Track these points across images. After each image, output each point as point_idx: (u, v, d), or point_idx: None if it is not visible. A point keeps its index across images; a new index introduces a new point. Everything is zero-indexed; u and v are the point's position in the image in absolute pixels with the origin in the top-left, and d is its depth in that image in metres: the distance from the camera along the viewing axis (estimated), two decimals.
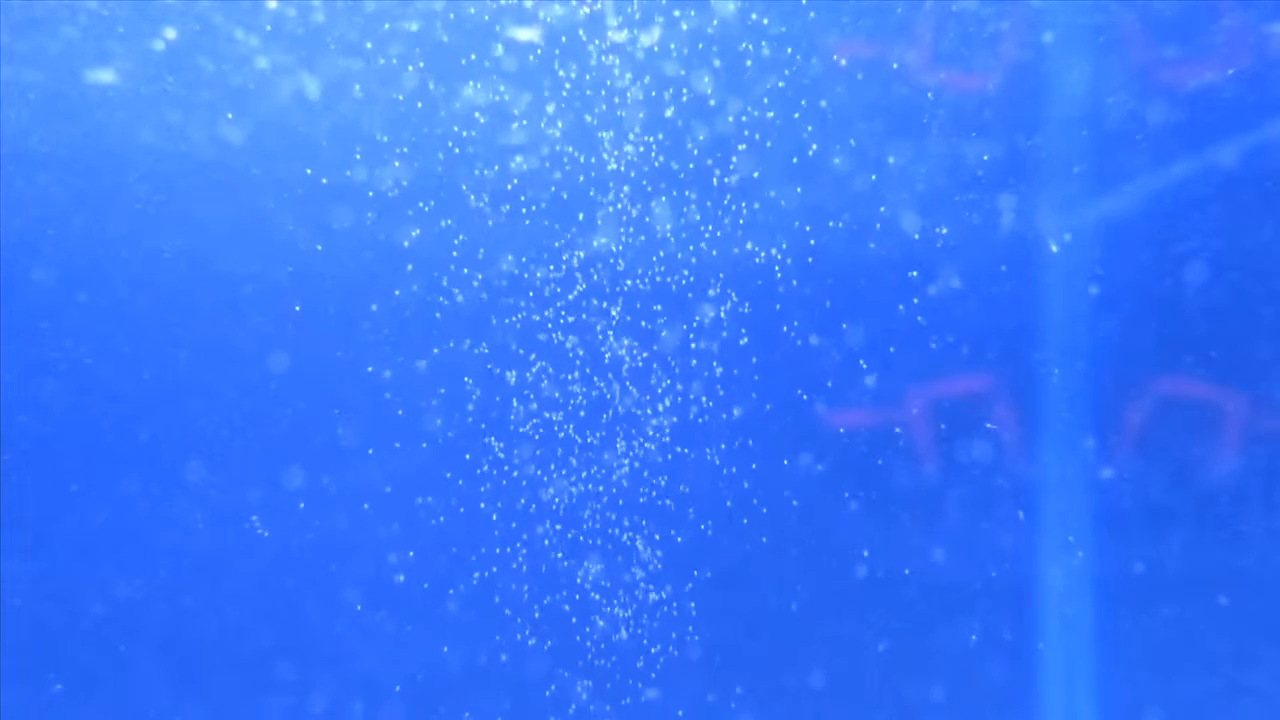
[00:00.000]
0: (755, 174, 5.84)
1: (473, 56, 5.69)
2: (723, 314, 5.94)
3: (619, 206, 5.89)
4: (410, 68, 5.69)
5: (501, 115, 5.78)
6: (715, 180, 5.87)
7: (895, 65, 5.70)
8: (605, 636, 6.03)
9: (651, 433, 6.02)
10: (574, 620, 6.03)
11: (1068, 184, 5.90)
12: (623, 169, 5.85)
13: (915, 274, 5.91)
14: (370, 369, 5.95)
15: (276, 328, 5.90)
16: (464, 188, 5.85)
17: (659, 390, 6.01)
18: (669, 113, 5.79)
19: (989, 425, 5.89)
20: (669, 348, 5.98)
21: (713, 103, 5.76)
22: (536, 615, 6.01)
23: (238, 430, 5.95)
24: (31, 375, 5.83)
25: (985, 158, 5.85)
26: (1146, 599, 5.94)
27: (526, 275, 5.93)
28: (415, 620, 6.02)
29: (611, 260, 5.94)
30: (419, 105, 5.75)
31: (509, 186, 5.85)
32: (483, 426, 5.97)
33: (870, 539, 6.03)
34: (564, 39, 5.68)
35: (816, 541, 6.03)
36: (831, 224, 5.89)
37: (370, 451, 5.95)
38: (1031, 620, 6.03)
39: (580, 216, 5.90)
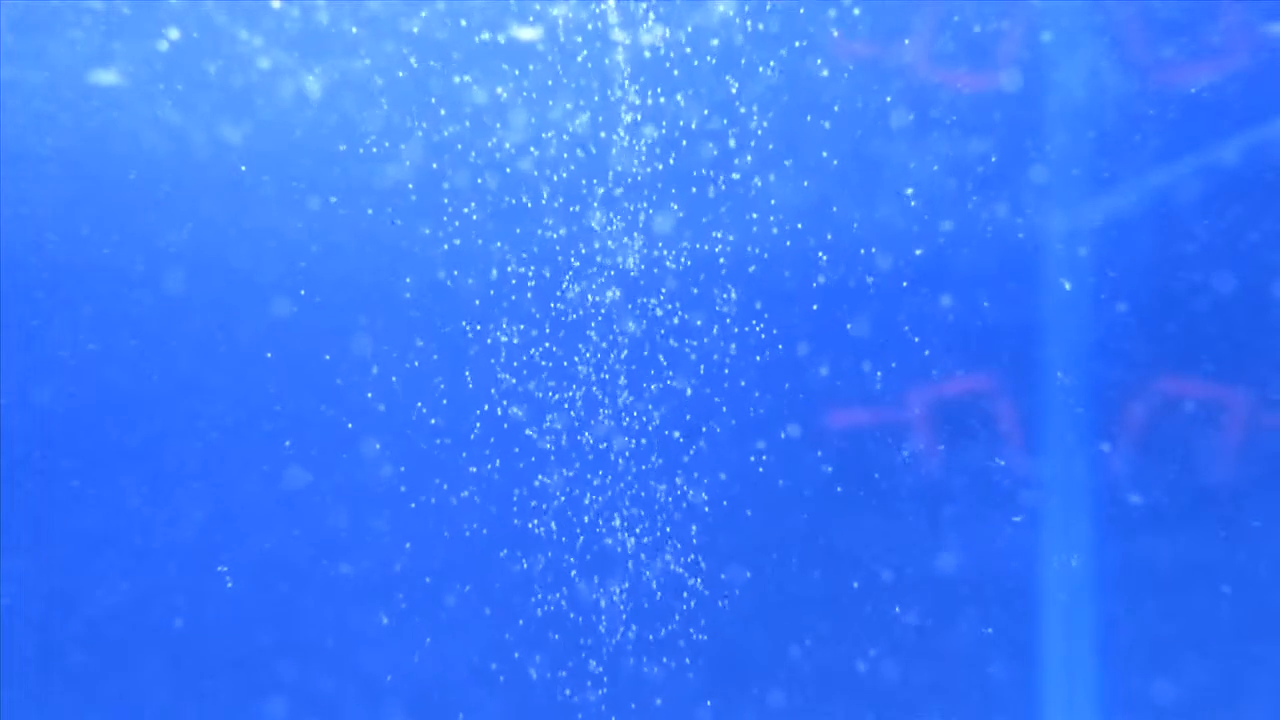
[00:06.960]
0: (765, 173, 5.86)
1: (480, 46, 5.70)
2: (734, 312, 5.95)
3: (626, 205, 5.90)
4: (415, 67, 5.71)
5: (504, 114, 5.79)
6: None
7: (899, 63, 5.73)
8: (612, 633, 6.00)
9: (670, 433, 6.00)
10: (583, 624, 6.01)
11: (1074, 184, 5.92)
12: (629, 169, 5.86)
13: (923, 275, 5.92)
14: (373, 369, 5.93)
15: (279, 328, 5.89)
16: (475, 183, 5.86)
17: (669, 390, 6.00)
18: (674, 112, 5.81)
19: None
20: (675, 347, 5.97)
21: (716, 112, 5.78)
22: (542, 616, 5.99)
23: (239, 430, 5.92)
24: (31, 375, 5.80)
25: (993, 158, 5.87)
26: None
27: (529, 275, 5.93)
28: (420, 621, 5.99)
29: (617, 259, 5.93)
30: (423, 105, 5.76)
31: (515, 183, 5.86)
32: (484, 427, 5.95)
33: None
34: (567, 38, 5.69)
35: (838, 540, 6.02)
36: (840, 223, 5.90)
37: (372, 450, 5.92)
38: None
39: (586, 214, 5.90)
